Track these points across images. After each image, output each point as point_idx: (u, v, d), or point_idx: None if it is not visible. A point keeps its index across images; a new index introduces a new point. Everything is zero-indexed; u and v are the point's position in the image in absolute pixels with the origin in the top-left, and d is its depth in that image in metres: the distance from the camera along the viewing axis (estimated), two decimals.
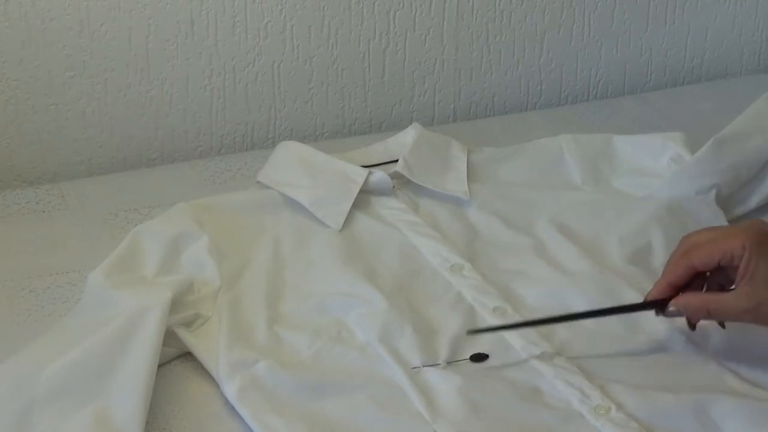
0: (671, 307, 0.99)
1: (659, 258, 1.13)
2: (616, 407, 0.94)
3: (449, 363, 1.00)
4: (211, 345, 1.02)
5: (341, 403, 0.96)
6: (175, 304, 1.03)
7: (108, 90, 1.36)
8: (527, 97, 1.58)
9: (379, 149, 1.34)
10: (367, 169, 1.25)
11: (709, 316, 0.99)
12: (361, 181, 1.23)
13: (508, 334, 1.04)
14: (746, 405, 0.95)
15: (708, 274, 1.00)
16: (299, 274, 1.13)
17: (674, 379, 0.99)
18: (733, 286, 0.97)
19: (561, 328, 1.04)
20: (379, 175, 1.25)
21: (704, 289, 1.00)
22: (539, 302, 1.09)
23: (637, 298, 1.08)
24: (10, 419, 0.90)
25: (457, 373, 0.98)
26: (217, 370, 0.99)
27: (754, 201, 1.26)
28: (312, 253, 1.16)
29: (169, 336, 1.01)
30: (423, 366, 0.99)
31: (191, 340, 1.02)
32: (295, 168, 1.26)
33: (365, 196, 1.24)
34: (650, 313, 1.02)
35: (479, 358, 1.01)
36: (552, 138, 1.37)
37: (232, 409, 0.95)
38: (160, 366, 0.98)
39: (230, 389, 0.96)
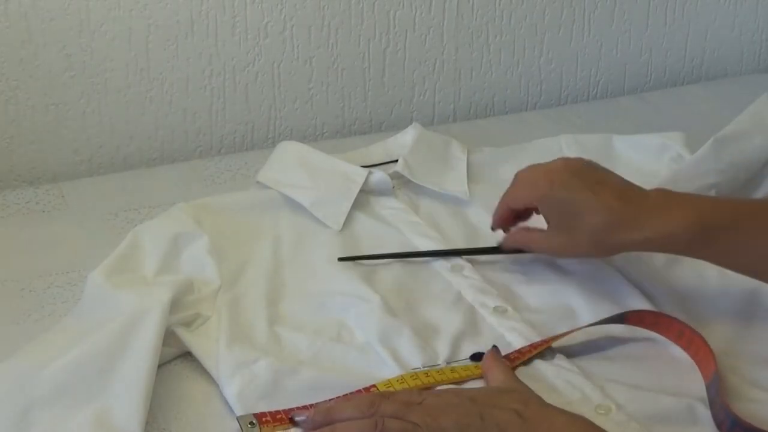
0: (504, 244, 1.13)
1: (660, 257, 1.13)
2: (617, 407, 0.94)
3: (449, 363, 1.00)
4: (211, 345, 1.02)
5: None
6: (175, 304, 1.03)
7: (108, 90, 1.36)
8: (527, 97, 1.58)
9: (379, 149, 1.34)
10: (367, 169, 1.25)
11: (533, 250, 1.11)
12: (361, 181, 1.23)
13: (509, 335, 1.04)
14: (746, 406, 0.95)
15: None
16: (299, 274, 1.13)
17: (674, 379, 0.99)
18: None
19: (561, 328, 1.04)
20: (379, 175, 1.25)
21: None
22: (539, 302, 1.09)
23: (638, 299, 1.08)
24: (10, 419, 0.90)
25: None
26: (217, 370, 0.99)
27: None
28: (312, 254, 1.16)
29: (169, 336, 1.01)
30: (423, 366, 0.99)
31: (191, 340, 1.02)
32: (295, 168, 1.26)
33: (365, 196, 1.24)
34: None
35: (479, 357, 1.01)
36: (552, 138, 1.37)
37: (232, 409, 0.95)
38: (160, 366, 0.97)
39: (230, 390, 0.96)
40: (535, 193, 1.07)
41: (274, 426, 0.91)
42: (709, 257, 1.03)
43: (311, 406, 0.92)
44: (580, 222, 1.03)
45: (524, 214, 1.13)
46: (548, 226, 1.08)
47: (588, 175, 1.05)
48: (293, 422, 0.91)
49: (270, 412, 0.92)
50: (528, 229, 1.12)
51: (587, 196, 1.03)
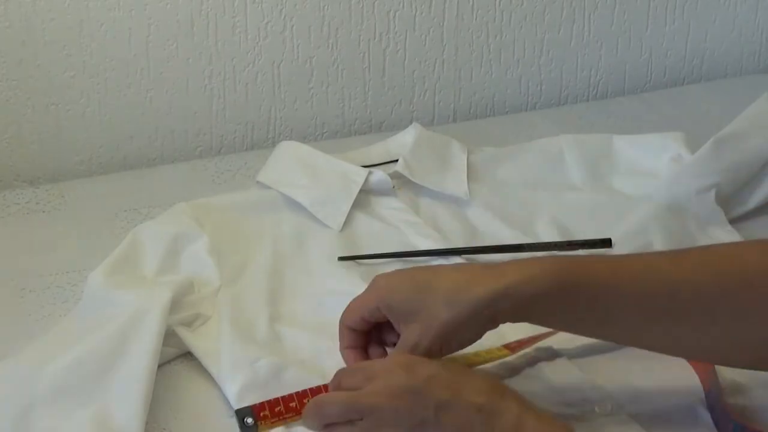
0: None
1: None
2: (617, 407, 0.94)
3: None
4: (211, 345, 1.02)
5: None
6: (175, 303, 1.03)
7: (108, 90, 1.36)
8: (527, 97, 1.58)
9: (379, 149, 1.34)
10: (367, 169, 1.25)
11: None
12: (361, 181, 1.23)
13: (508, 334, 1.03)
14: (747, 405, 0.95)
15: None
16: (299, 273, 1.13)
17: (674, 379, 0.99)
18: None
19: None
20: (379, 175, 1.25)
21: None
22: None
23: None
24: (10, 419, 0.90)
25: None
26: (218, 369, 0.99)
27: (754, 201, 1.27)
28: (312, 253, 1.16)
29: (169, 336, 1.01)
30: None
31: (191, 340, 1.02)
32: (295, 168, 1.26)
33: (365, 195, 1.24)
34: None
35: None
36: (552, 138, 1.37)
37: (233, 408, 0.95)
38: (160, 366, 0.97)
39: (231, 388, 0.96)
40: (375, 291, 0.94)
41: (272, 422, 0.91)
42: (571, 316, 0.90)
43: (308, 391, 0.93)
44: (429, 292, 0.90)
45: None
46: (401, 330, 0.92)
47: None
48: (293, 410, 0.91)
49: (268, 402, 0.92)
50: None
51: (432, 270, 0.93)
